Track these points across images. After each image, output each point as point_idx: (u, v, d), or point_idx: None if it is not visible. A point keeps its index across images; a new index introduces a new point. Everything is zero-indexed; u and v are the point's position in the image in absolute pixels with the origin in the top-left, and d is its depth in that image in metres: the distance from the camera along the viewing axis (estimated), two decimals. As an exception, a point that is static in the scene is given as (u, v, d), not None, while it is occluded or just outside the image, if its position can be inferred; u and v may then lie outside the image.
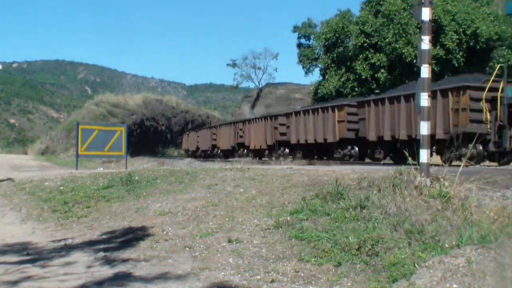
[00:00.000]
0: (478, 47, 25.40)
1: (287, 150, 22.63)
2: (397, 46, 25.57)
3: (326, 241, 4.51)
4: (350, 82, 28.86)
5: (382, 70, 26.76)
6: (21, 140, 54.47)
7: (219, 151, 31.18)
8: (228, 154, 29.00)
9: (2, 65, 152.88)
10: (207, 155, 32.86)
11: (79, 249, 5.32)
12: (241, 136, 27.32)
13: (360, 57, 27.76)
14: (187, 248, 4.93)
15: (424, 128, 5.46)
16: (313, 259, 4.24)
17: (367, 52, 27.41)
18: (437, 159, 14.81)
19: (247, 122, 27.30)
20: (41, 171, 14.37)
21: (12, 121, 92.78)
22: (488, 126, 12.93)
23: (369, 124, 16.77)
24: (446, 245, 3.91)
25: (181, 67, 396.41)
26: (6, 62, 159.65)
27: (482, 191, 5.33)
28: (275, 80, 58.43)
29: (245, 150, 26.85)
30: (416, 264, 3.66)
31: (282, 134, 22.70)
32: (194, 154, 35.76)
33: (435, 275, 3.26)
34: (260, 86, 57.67)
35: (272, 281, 3.88)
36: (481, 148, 13.18)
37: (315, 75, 54.30)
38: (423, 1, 5.53)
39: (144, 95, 50.00)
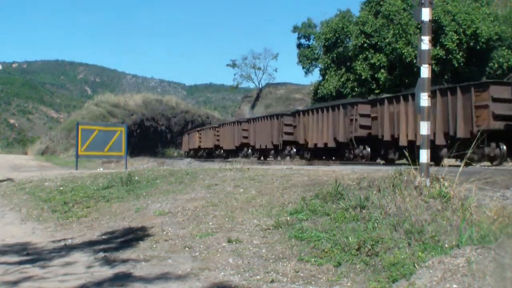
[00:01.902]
0: (478, 47, 25.40)
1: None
2: (397, 47, 25.56)
3: (326, 241, 4.51)
4: (350, 82, 28.84)
5: (382, 70, 26.75)
6: (21, 140, 54.48)
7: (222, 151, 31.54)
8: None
9: (2, 65, 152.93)
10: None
11: (79, 249, 5.32)
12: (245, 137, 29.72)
13: (360, 57, 27.74)
14: (187, 248, 4.93)
15: (424, 128, 5.45)
16: (313, 259, 4.23)
17: (367, 52, 27.40)
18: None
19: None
20: (41, 171, 14.36)
21: (12, 121, 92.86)
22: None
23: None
24: (446, 245, 3.91)
25: (181, 67, 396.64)
26: (6, 62, 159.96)
27: (482, 191, 5.32)
28: (275, 80, 58.54)
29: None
30: (416, 264, 3.66)
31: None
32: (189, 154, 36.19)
33: (435, 275, 3.26)
34: (260, 86, 57.70)
35: (272, 281, 3.88)
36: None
37: (315, 75, 54.48)
38: (423, 1, 5.53)
39: (144, 95, 50.05)
